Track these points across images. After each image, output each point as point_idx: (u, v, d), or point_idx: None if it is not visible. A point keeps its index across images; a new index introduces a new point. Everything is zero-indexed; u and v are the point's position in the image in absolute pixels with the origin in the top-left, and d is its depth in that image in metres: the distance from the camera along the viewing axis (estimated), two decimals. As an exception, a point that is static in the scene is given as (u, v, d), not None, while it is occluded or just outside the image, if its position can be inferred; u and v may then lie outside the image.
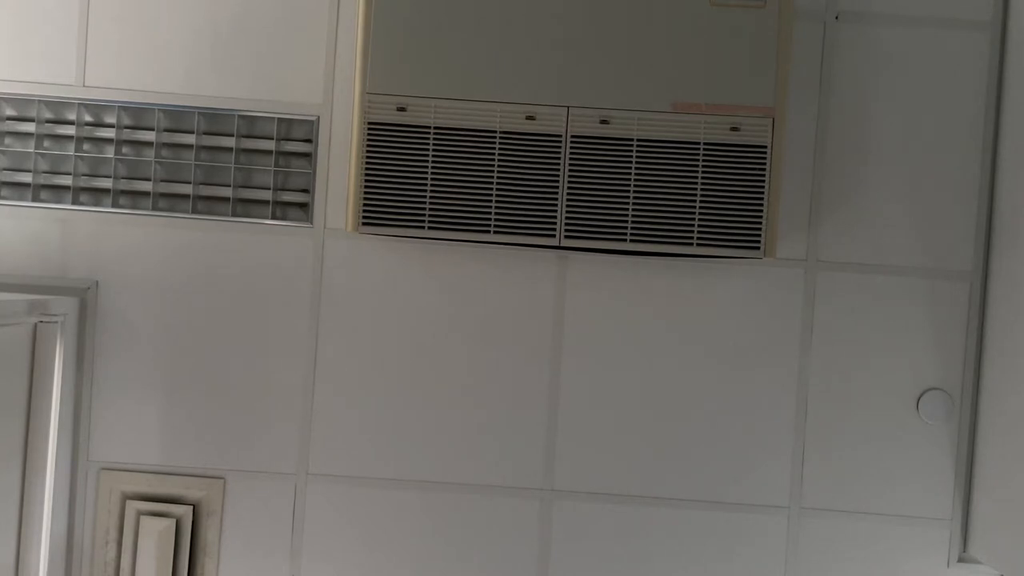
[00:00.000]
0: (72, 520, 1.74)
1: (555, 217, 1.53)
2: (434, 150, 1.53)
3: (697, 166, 1.52)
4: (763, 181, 1.52)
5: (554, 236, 1.54)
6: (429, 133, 1.53)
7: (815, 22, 1.73)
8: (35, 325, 1.59)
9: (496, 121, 1.53)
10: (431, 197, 1.53)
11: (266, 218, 1.76)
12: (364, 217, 1.54)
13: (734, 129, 1.52)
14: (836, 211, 1.75)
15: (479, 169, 1.53)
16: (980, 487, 1.72)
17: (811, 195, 1.75)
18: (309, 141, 1.76)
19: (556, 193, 1.53)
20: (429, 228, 1.54)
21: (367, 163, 1.54)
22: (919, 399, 1.74)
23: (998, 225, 1.73)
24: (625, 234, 1.53)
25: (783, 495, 1.75)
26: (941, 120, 1.74)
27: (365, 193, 1.54)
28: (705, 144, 1.52)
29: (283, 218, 1.76)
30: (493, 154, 1.53)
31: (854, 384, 1.75)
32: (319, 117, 1.75)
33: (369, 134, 1.53)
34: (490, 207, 1.53)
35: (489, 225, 1.54)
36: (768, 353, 1.75)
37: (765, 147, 1.52)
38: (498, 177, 1.53)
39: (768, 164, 1.52)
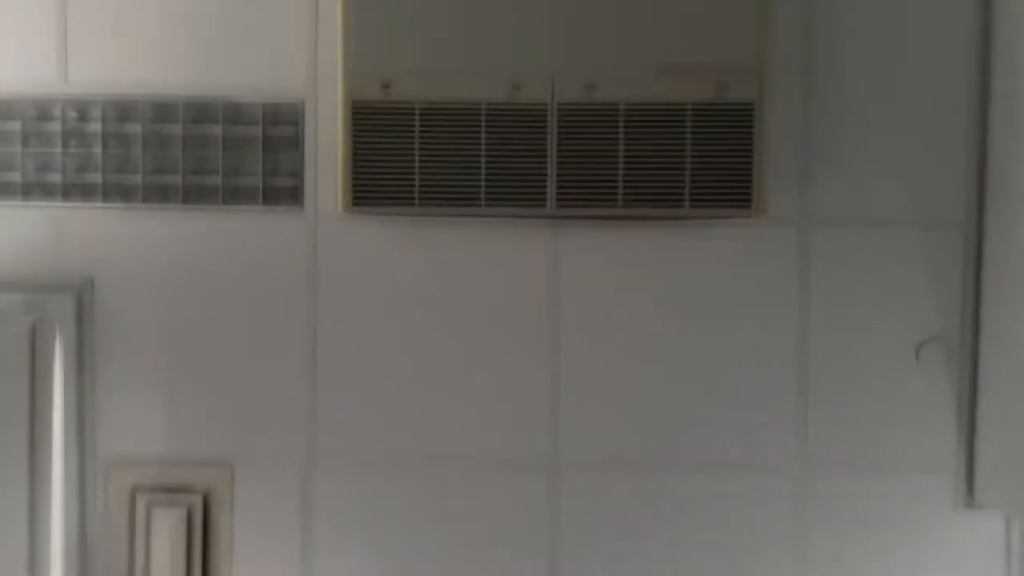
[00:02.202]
0: (84, 517, 1.75)
1: (545, 185, 1.53)
2: (420, 126, 1.53)
3: (685, 128, 1.52)
4: (751, 139, 1.51)
5: (545, 205, 1.53)
6: (414, 109, 1.53)
7: (797, -26, 1.72)
8: (32, 325, 1.59)
9: (481, 92, 1.52)
10: (420, 173, 1.53)
11: (256, 204, 1.75)
12: (355, 197, 1.54)
13: (720, 87, 1.51)
14: (827, 167, 1.74)
15: (467, 142, 1.53)
16: (983, 433, 1.73)
17: (801, 151, 1.74)
18: (296, 124, 1.76)
19: (545, 162, 1.53)
20: (420, 204, 1.54)
21: (354, 142, 1.53)
22: (918, 349, 1.75)
23: (991, 173, 1.73)
24: (616, 198, 1.53)
25: (789, 455, 1.76)
26: (930, 66, 1.73)
27: (354, 172, 1.53)
28: (692, 105, 1.51)
29: (274, 203, 1.76)
30: (480, 126, 1.53)
31: (853, 338, 1.75)
32: (304, 100, 1.75)
33: (355, 113, 1.53)
34: (480, 179, 1.53)
35: (479, 197, 1.53)
36: (766, 312, 1.75)
37: (752, 104, 1.51)
38: (486, 149, 1.53)
39: (755, 120, 1.51)
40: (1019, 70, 1.63)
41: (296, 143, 1.76)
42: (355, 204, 1.54)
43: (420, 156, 1.53)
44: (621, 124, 1.52)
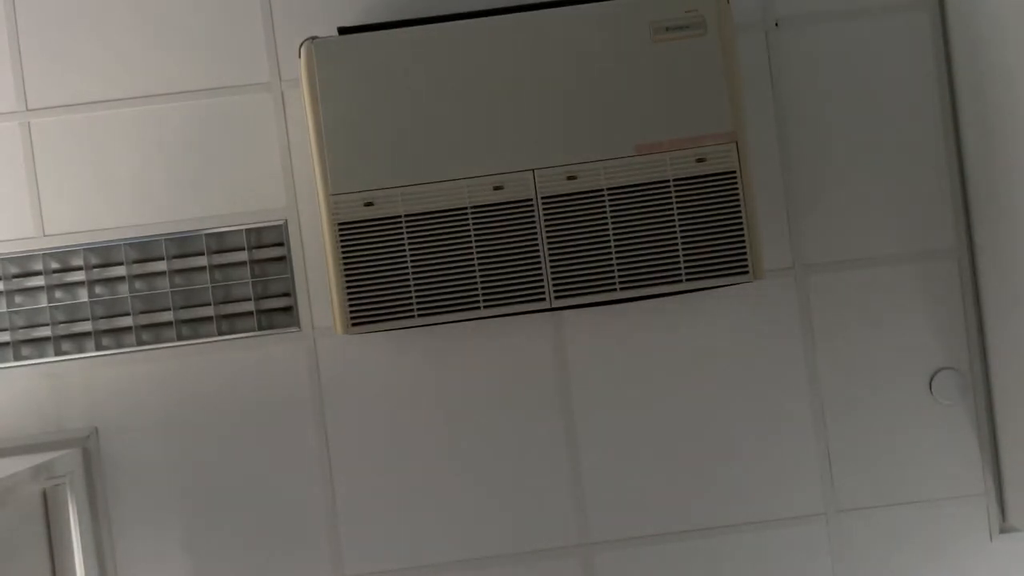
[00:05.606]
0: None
1: (541, 280, 1.52)
2: (409, 238, 1.52)
3: (671, 203, 1.52)
4: (738, 206, 1.52)
5: (544, 299, 1.53)
6: (401, 222, 1.52)
7: (756, 32, 1.73)
8: (43, 491, 1.55)
9: (465, 197, 1.52)
10: (415, 284, 1.52)
11: (252, 330, 1.74)
12: (352, 318, 1.52)
13: (700, 160, 1.52)
14: (812, 214, 1.75)
15: (457, 247, 1.52)
16: (1007, 456, 1.72)
17: (785, 204, 1.75)
18: (281, 245, 1.74)
19: (538, 256, 1.52)
20: (419, 316, 1.52)
21: (345, 264, 1.52)
22: (931, 381, 1.75)
23: (973, 197, 1.74)
24: (613, 284, 1.52)
25: (818, 502, 1.75)
26: (897, 105, 1.75)
27: (349, 294, 1.52)
28: (674, 180, 1.52)
29: (269, 327, 1.74)
30: (468, 230, 1.52)
31: (864, 377, 1.75)
32: (286, 220, 1.74)
33: (341, 235, 1.52)
34: (475, 283, 1.52)
35: (478, 301, 1.52)
36: (776, 365, 1.75)
37: (734, 172, 1.52)
38: (477, 252, 1.52)
39: (740, 187, 1.52)
40: (983, 96, 1.65)
41: (284, 263, 1.74)
42: (354, 325, 1.52)
43: (413, 267, 1.52)
44: (607, 208, 1.52)
